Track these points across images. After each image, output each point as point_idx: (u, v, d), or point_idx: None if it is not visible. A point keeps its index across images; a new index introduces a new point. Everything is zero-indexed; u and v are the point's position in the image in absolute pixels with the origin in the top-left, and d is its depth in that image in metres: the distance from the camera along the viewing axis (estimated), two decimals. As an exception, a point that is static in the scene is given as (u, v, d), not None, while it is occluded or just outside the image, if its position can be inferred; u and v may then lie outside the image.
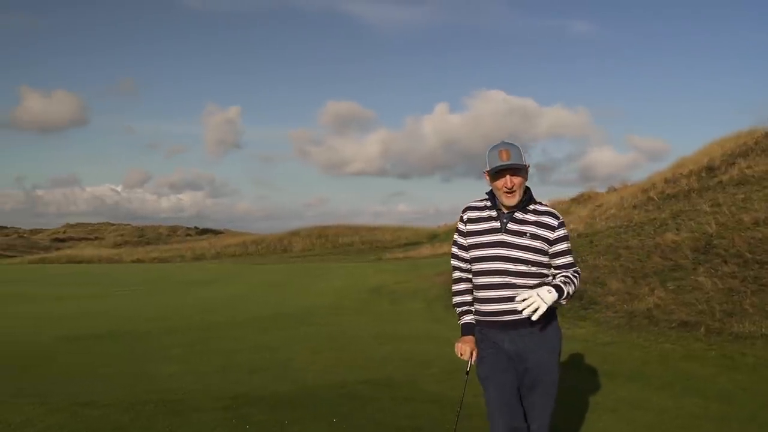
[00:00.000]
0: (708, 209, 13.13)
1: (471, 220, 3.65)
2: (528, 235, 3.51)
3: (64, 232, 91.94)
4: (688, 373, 7.63)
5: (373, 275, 20.16)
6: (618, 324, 10.37)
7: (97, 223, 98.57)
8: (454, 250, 3.75)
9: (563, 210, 34.48)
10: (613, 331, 10.15)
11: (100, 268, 32.17)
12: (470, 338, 3.66)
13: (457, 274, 3.77)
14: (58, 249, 67.36)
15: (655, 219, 14.30)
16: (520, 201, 3.53)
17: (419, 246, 39.28)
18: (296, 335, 10.31)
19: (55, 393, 6.73)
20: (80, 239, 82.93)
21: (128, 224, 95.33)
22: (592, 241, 14.53)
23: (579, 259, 13.57)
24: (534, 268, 3.50)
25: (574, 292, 3.49)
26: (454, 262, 3.78)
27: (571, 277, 3.51)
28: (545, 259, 3.53)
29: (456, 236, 3.72)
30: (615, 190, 29.41)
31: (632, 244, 12.92)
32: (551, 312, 3.57)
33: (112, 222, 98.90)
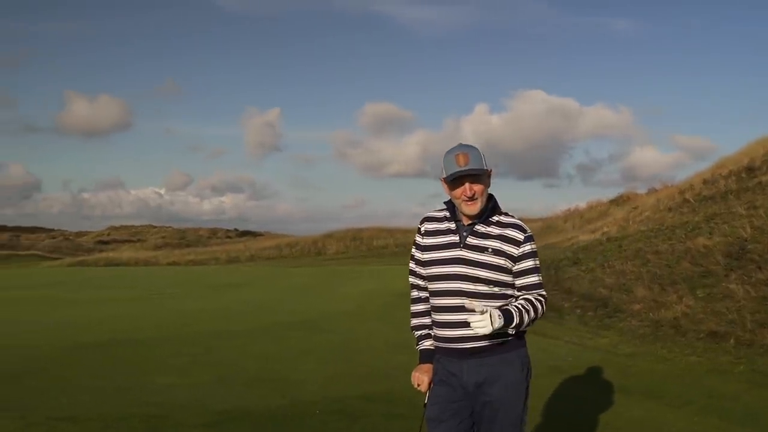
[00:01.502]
0: (743, 212, 12.44)
1: (429, 233, 3.25)
2: (489, 250, 3.09)
3: (108, 235, 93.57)
4: (711, 390, 7.10)
5: (401, 278, 19.73)
6: (643, 334, 9.84)
7: (140, 226, 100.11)
8: (412, 265, 3.36)
9: (602, 212, 33.69)
10: (636, 342, 9.62)
11: (131, 270, 32.40)
12: (429, 366, 3.26)
13: (415, 294, 3.38)
14: (101, 251, 68.53)
15: (687, 222, 13.65)
16: (482, 211, 3.12)
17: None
18: (307, 344, 9.99)
19: (38, 406, 6.52)
20: (123, 241, 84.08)
21: (170, 226, 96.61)
22: (620, 246, 13.95)
23: (604, 265, 13.02)
24: (496, 289, 3.07)
25: (532, 321, 3.06)
26: (411, 280, 3.39)
27: (533, 301, 3.08)
28: (508, 278, 3.11)
29: (413, 250, 3.32)
30: (655, 191, 28.60)
31: (662, 249, 12.31)
32: (518, 338, 3.16)
33: (154, 224, 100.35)
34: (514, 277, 3.12)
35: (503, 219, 3.16)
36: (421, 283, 3.31)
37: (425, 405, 3.23)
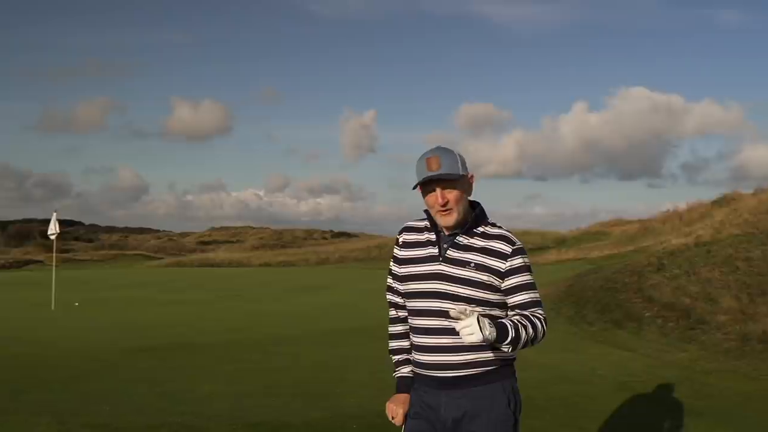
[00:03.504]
0: None
1: (407, 244, 2.86)
2: (472, 265, 2.67)
3: (209, 235, 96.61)
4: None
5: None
6: (727, 348, 9.05)
7: (240, 227, 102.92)
8: (389, 281, 2.98)
9: (702, 214, 31.82)
10: (720, 357, 8.84)
11: (221, 272, 33.14)
12: (405, 397, 2.86)
13: (392, 313, 3.00)
14: (202, 251, 70.84)
15: (786, 226, 12.55)
16: (462, 221, 2.72)
17: (545, 251, 37.72)
18: (364, 352, 9.71)
19: (80, 412, 6.50)
20: (223, 242, 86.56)
21: (268, 227, 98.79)
22: (709, 251, 12.98)
23: (690, 272, 12.13)
24: (479, 309, 2.62)
25: (531, 341, 2.60)
26: (389, 297, 3.01)
27: (531, 317, 2.64)
28: (495, 297, 2.69)
29: (391, 264, 2.94)
30: (761, 191, 26.77)
31: (753, 256, 11.35)
32: (505, 366, 2.74)
33: (253, 225, 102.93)
34: (504, 295, 2.70)
35: (489, 230, 2.74)
36: (399, 300, 2.93)
37: None
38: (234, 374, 8.33)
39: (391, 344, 2.98)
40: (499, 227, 2.77)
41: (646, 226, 38.38)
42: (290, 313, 14.47)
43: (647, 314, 11.30)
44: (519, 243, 2.74)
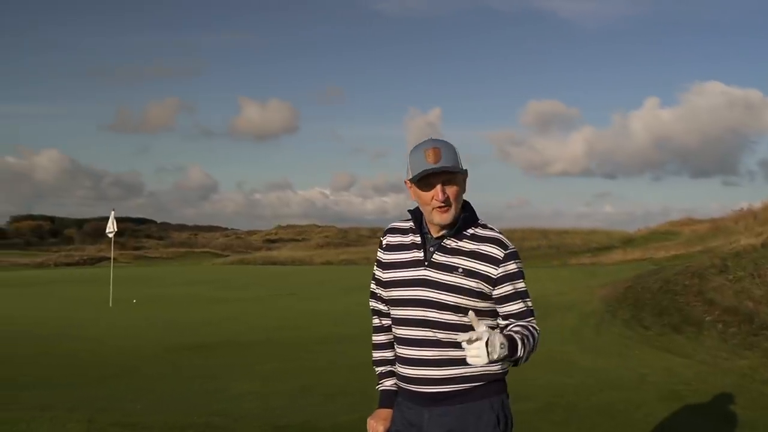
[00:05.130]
0: None
1: (391, 247, 2.63)
2: (460, 270, 2.44)
3: (276, 234, 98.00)
4: None
5: (534, 283, 18.69)
6: (791, 356, 8.49)
7: (305, 225, 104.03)
8: (373, 287, 2.75)
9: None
10: (782, 365, 8.31)
11: (282, 269, 33.44)
12: (387, 413, 2.65)
13: (376, 321, 2.79)
14: (268, 249, 71.86)
15: None
16: (455, 221, 2.51)
17: (611, 251, 36.81)
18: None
19: (111, 410, 6.56)
20: (288, 240, 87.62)
21: (333, 226, 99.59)
22: (776, 252, 12.27)
23: (755, 274, 11.51)
24: (467, 319, 2.42)
25: (527, 355, 2.36)
26: (372, 304, 2.80)
27: (530, 329, 2.41)
28: (484, 305, 2.46)
29: (375, 268, 2.72)
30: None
31: (823, 257, 10.65)
32: (494, 383, 2.51)
33: (318, 224, 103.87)
34: (495, 303, 2.48)
35: (480, 232, 2.51)
36: (382, 307, 2.72)
37: None
38: (271, 373, 8.30)
39: (374, 355, 2.77)
40: (491, 229, 2.54)
41: (717, 226, 36.96)
42: (342, 312, 14.41)
43: (707, 318, 10.77)
44: (512, 247, 2.51)
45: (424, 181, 2.45)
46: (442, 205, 2.44)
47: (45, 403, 6.76)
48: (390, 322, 2.68)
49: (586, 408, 6.71)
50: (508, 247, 2.49)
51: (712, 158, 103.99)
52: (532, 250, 39.26)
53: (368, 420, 2.69)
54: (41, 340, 10.62)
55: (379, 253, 2.69)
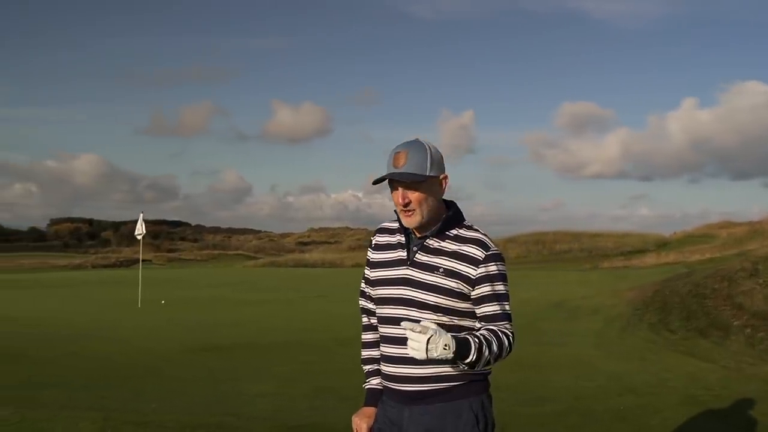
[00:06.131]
0: None
1: (379, 246, 2.65)
2: (441, 270, 2.44)
3: (308, 236, 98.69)
4: None
5: (563, 286, 18.73)
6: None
7: (338, 228, 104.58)
8: (362, 286, 2.78)
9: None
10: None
11: (311, 272, 33.60)
12: (372, 411, 2.66)
13: (365, 320, 2.80)
14: (301, 252, 72.33)
15: None
16: (429, 223, 2.49)
17: (644, 254, 36.32)
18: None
19: (127, 409, 6.64)
20: (321, 243, 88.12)
21: (365, 228, 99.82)
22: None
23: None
24: (446, 318, 2.41)
25: (495, 359, 2.35)
26: (361, 303, 2.82)
27: (498, 333, 2.39)
28: (464, 306, 2.44)
29: (366, 268, 2.75)
30: None
31: None
32: (475, 382, 2.49)
33: (350, 226, 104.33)
34: (473, 304, 2.47)
35: (463, 233, 2.50)
36: (371, 306, 2.74)
37: None
38: (288, 375, 8.34)
39: (362, 353, 2.79)
40: (476, 230, 2.53)
41: (755, 229, 36.30)
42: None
43: (735, 323, 10.56)
44: (495, 248, 2.49)
45: (390, 183, 2.49)
46: (405, 208, 2.46)
47: (63, 402, 6.87)
48: (377, 321, 2.69)
49: (603, 412, 6.64)
50: (490, 248, 2.47)
51: (753, 159, 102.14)
52: (564, 253, 38.95)
53: (353, 417, 2.71)
54: (67, 340, 10.80)
55: (369, 252, 2.72)
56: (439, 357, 2.21)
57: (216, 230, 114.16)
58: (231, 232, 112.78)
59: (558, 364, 9.34)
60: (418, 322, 2.32)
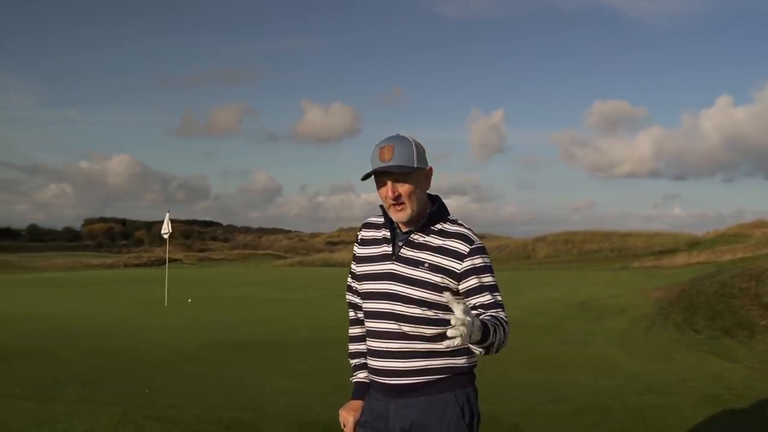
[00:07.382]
0: None
1: (365, 241, 2.71)
2: (426, 265, 2.47)
3: (338, 236, 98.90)
4: None
5: (590, 286, 18.56)
6: None
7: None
8: (349, 281, 2.84)
9: None
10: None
11: (337, 271, 33.71)
12: (358, 404, 2.70)
13: (352, 314, 2.84)
14: (330, 251, 72.55)
15: None
16: (418, 217, 2.52)
17: (675, 254, 35.84)
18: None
19: (146, 404, 6.74)
20: (350, 242, 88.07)
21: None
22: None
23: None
24: (431, 312, 2.45)
25: (497, 347, 2.31)
26: (348, 297, 2.86)
27: (500, 321, 2.37)
28: None
29: (352, 263, 2.79)
30: None
31: None
32: (460, 375, 2.51)
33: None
34: (462, 298, 2.48)
35: (448, 227, 2.53)
36: (358, 301, 2.77)
37: None
38: (307, 373, 8.40)
39: (349, 347, 2.84)
40: (460, 224, 2.56)
41: (789, 229, 35.56)
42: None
43: (762, 322, 10.39)
44: (479, 242, 2.51)
45: (377, 178, 2.52)
46: (395, 202, 2.49)
47: (85, 397, 6.99)
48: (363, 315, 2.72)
49: (620, 411, 6.58)
50: (474, 242, 2.49)
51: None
52: (593, 252, 38.57)
53: (340, 411, 2.75)
54: (92, 337, 10.98)
55: (355, 247, 2.78)
56: (474, 340, 2.16)
57: (247, 230, 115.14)
58: (261, 232, 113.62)
59: (580, 364, 9.28)
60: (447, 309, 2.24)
